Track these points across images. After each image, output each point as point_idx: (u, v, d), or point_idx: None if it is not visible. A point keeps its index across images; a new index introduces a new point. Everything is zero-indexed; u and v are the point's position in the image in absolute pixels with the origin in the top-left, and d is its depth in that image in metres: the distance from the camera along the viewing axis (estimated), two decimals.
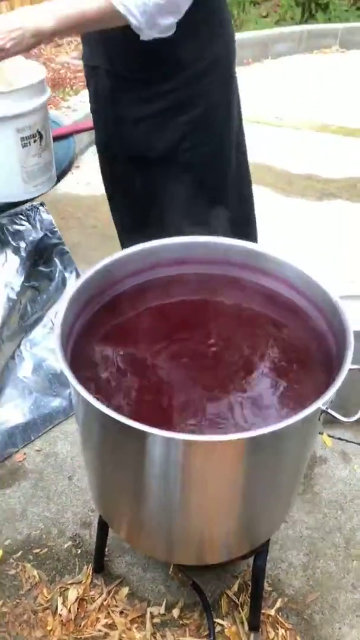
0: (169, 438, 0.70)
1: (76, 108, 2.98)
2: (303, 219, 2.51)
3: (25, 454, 1.44)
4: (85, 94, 3.36)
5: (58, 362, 1.47)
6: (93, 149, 3.05)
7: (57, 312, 0.85)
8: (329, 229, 2.46)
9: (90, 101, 1.29)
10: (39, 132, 1.12)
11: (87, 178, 2.73)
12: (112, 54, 1.11)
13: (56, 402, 1.51)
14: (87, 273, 0.92)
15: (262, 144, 3.15)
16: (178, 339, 0.94)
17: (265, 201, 2.63)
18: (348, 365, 0.72)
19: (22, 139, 1.10)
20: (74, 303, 0.88)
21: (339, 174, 2.85)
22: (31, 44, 0.93)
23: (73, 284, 0.92)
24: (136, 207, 1.30)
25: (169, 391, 0.87)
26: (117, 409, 0.70)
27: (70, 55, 4.11)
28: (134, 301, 0.99)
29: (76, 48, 4.28)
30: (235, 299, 1.00)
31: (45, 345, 1.52)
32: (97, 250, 2.32)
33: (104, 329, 0.94)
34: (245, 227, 1.35)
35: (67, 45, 4.36)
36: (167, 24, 0.96)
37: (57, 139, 1.35)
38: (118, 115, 1.18)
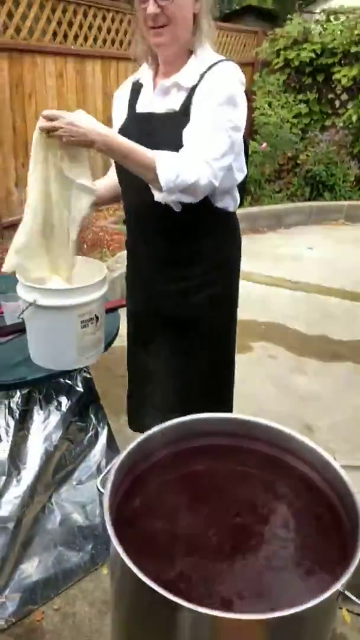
0: (199, 612, 0.77)
1: (114, 268, 3.37)
2: (315, 379, 2.69)
3: (43, 612, 1.44)
4: (121, 256, 3.78)
5: (84, 517, 1.55)
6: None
7: (106, 479, 0.97)
8: (338, 389, 2.62)
9: (127, 275, 1.59)
10: (96, 316, 1.35)
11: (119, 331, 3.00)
12: (154, 241, 1.40)
13: (78, 557, 1.54)
14: (132, 443, 1.06)
15: (278, 306, 3.47)
16: (207, 507, 1.04)
17: (281, 359, 2.85)
18: None
19: (82, 322, 1.32)
20: (121, 469, 1.00)
21: (349, 337, 3.09)
22: (81, 145, 1.16)
23: (122, 452, 1.04)
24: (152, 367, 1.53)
25: (199, 559, 0.95)
26: (151, 574, 0.78)
27: (108, 220, 4.73)
28: (169, 469, 1.11)
29: (114, 214, 4.93)
30: (256, 471, 1.12)
31: (72, 499, 1.60)
32: (124, 399, 2.48)
33: (141, 495, 1.05)
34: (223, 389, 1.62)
35: (106, 211, 5.02)
36: (183, 200, 1.21)
37: (106, 311, 1.59)
38: (153, 289, 1.46)
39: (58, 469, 1.58)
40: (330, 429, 2.32)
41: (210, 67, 1.26)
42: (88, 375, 1.70)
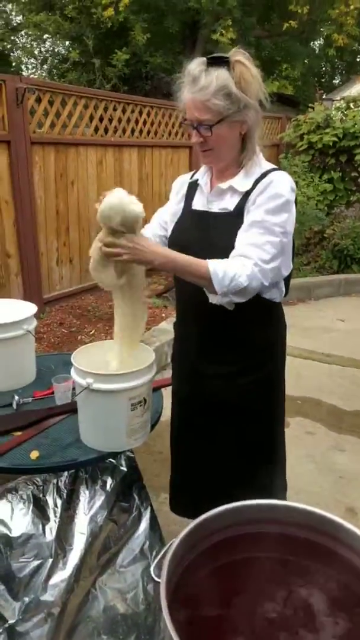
0: None
1: (150, 342, 3.47)
2: (356, 456, 2.64)
3: None
4: (157, 329, 3.88)
5: (126, 605, 1.53)
6: (159, 376, 3.45)
7: (162, 565, 0.98)
8: None
9: (174, 357, 1.66)
10: (144, 399, 1.41)
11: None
12: (203, 328, 1.48)
13: None
14: (188, 527, 1.07)
15: (312, 380, 3.47)
16: (257, 595, 1.03)
17: (319, 436, 2.81)
18: None
19: (132, 404, 1.38)
20: (175, 556, 1.02)
21: None
22: (141, 263, 1.29)
23: (175, 539, 1.06)
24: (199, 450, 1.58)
25: None
26: None
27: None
28: (221, 554, 1.11)
29: (147, 287, 5.11)
30: (304, 560, 1.11)
31: (115, 585, 1.58)
32: (160, 477, 2.48)
33: (194, 580, 1.05)
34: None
35: None
36: (235, 300, 1.32)
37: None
38: (200, 372, 1.53)
39: (102, 551, 1.58)
40: None
41: (263, 175, 1.36)
42: (131, 455, 1.73)
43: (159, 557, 1.04)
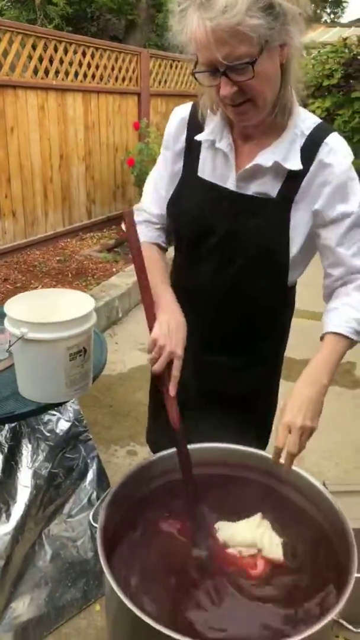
0: None
1: (98, 297, 3.39)
2: (339, 406, 2.69)
3: None
4: (107, 284, 3.78)
5: (75, 553, 1.53)
6: (110, 331, 3.41)
7: (98, 514, 0.96)
8: (325, 413, 2.63)
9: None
10: (84, 348, 1.36)
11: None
12: (215, 317, 1.20)
13: (70, 594, 1.51)
14: (126, 473, 1.06)
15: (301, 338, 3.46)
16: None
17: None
18: (353, 577, 0.83)
19: (70, 354, 1.33)
20: (112, 504, 1.00)
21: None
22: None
23: (114, 485, 1.04)
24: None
25: (193, 592, 0.95)
26: (146, 610, 0.78)
27: (92, 248, 4.76)
28: (162, 500, 1.11)
29: (97, 242, 4.97)
30: (250, 500, 1.12)
31: (63, 534, 1.58)
32: (111, 429, 2.48)
33: (134, 528, 1.04)
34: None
35: (90, 240, 5.06)
36: None
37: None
38: (207, 361, 1.24)
39: (48, 503, 1.57)
40: (321, 454, 2.33)
41: (316, 145, 1.02)
42: (76, 407, 1.70)
43: (97, 503, 1.03)
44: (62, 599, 1.49)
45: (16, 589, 1.46)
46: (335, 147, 1.04)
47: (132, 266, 1.34)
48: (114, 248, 4.87)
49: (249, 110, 0.97)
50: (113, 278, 3.90)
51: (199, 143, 1.11)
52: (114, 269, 4.22)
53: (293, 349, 3.21)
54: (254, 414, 1.33)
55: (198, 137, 1.11)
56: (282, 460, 1.03)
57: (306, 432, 1.01)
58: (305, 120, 1.05)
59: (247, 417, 1.28)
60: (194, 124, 1.12)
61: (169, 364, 1.05)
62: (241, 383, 1.27)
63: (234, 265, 1.13)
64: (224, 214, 1.09)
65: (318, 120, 1.07)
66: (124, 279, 3.84)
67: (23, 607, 1.44)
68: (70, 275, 4.07)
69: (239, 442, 1.13)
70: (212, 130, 1.09)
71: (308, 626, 0.77)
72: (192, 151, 1.13)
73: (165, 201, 1.21)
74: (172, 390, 1.04)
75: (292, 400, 1.02)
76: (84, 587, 1.54)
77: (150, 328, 1.08)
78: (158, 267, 1.19)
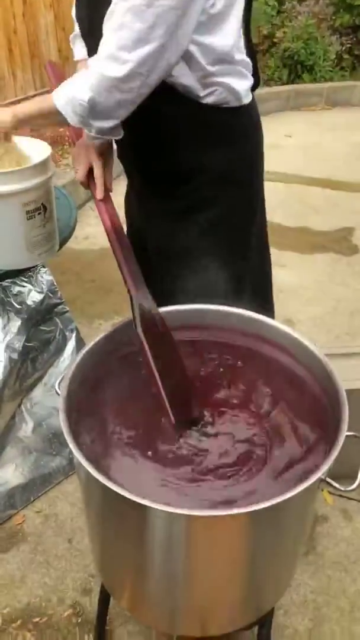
0: (169, 512, 0.71)
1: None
2: (296, 271, 2.59)
3: (24, 515, 1.43)
4: None
5: (59, 423, 1.49)
6: (91, 204, 3.17)
7: (63, 377, 0.87)
8: (319, 281, 2.53)
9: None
10: (44, 205, 1.18)
11: (86, 232, 2.81)
12: (143, 157, 1.15)
13: (56, 462, 1.51)
14: (93, 339, 0.95)
15: (295, 205, 3.25)
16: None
17: None
18: (343, 435, 0.75)
19: (28, 212, 1.15)
20: (80, 368, 0.91)
21: (329, 227, 2.95)
22: None
23: (81, 350, 0.94)
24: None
25: (169, 457, 0.89)
26: (116, 477, 0.72)
27: None
28: (136, 366, 1.01)
29: None
30: (233, 364, 1.03)
31: (45, 404, 1.53)
32: (95, 305, 2.38)
33: (106, 394, 0.96)
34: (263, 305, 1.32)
35: None
36: (104, 127, 0.97)
37: None
38: (148, 209, 1.23)
39: (25, 376, 1.50)
40: (313, 321, 2.27)
41: None
42: (48, 277, 1.56)
43: (64, 372, 0.93)
44: (48, 467, 1.49)
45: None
46: None
47: None
48: None
49: None
50: None
51: None
52: None
53: (285, 217, 3.05)
54: (223, 271, 1.17)
55: None
56: None
57: None
58: None
59: (217, 274, 1.16)
60: None
61: (90, 172, 1.07)
62: (185, 232, 1.16)
63: None
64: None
65: None
66: None
67: (8, 475, 1.43)
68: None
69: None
70: None
71: (296, 484, 0.71)
72: None
73: None
74: (98, 193, 1.05)
75: None
76: (69, 455, 1.53)
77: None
78: None
